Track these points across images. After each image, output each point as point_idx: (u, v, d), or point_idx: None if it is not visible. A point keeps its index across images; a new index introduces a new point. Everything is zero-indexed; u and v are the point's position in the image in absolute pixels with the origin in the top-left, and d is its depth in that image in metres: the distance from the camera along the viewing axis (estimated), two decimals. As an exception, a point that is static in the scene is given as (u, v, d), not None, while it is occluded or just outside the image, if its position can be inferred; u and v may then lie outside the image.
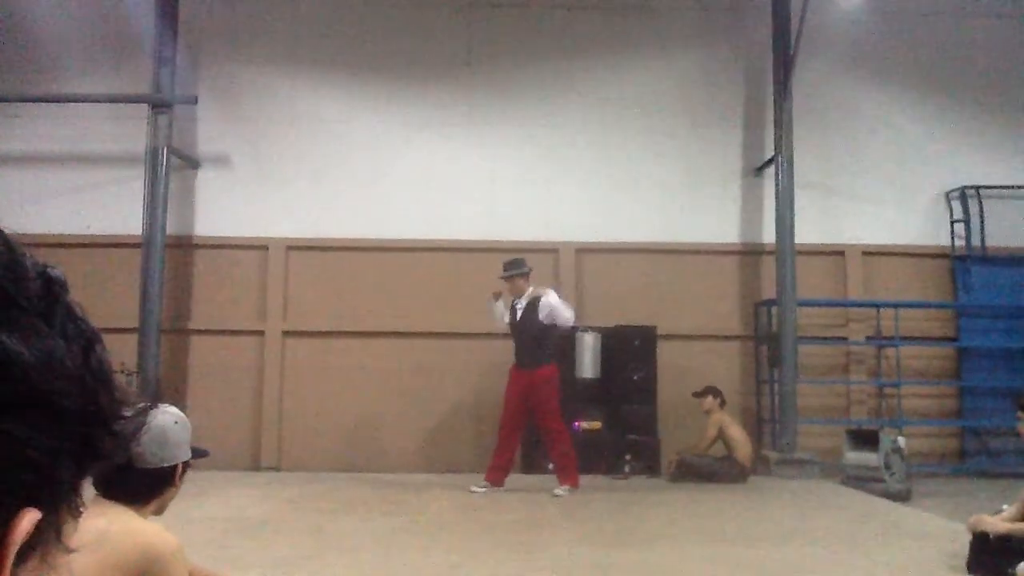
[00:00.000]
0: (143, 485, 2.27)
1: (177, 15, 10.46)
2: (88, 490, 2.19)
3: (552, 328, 8.19)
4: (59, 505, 0.52)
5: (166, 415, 2.33)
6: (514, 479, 8.58)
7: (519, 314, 8.25)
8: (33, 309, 0.52)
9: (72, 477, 0.53)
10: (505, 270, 8.36)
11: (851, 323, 10.96)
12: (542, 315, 8.10)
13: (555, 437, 8.23)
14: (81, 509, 0.55)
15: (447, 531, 6.19)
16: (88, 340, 0.55)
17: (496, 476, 8.23)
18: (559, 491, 8.00)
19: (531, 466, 9.51)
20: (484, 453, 10.28)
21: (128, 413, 0.58)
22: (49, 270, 0.55)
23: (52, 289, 0.54)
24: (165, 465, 2.30)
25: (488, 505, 7.43)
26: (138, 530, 2.17)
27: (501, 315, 8.42)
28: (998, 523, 4.80)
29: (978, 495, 8.45)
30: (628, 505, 7.62)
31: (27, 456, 0.49)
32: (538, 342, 8.15)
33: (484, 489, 8.10)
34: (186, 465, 2.38)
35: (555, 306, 8.07)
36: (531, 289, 8.32)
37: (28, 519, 0.50)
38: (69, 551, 0.54)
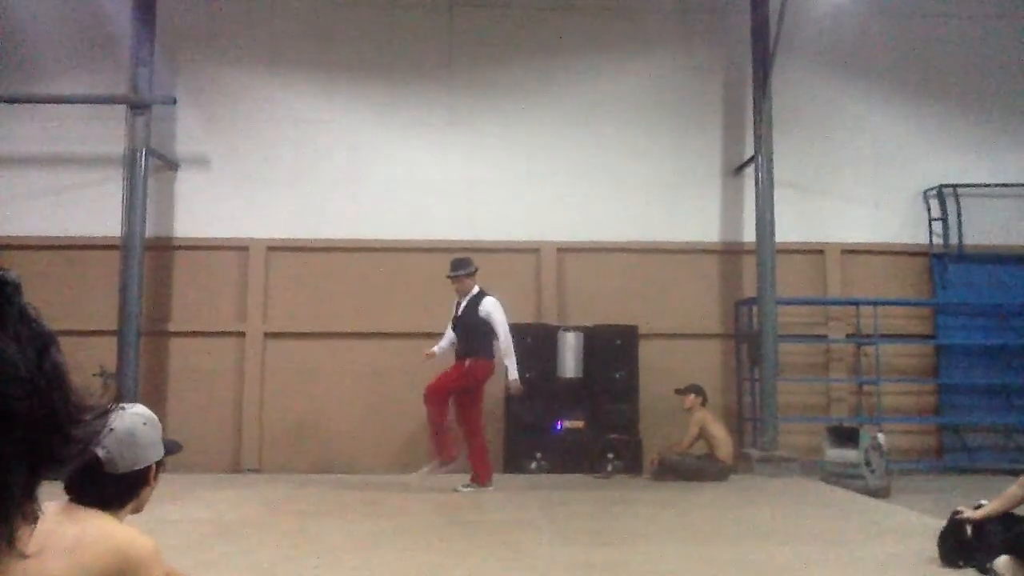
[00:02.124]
0: (117, 489, 2.25)
1: (155, 16, 10.39)
2: (61, 496, 2.18)
3: (487, 325, 8.30)
4: (11, 511, 0.51)
5: (134, 417, 2.29)
6: (495, 479, 8.59)
7: (461, 309, 8.41)
8: None
9: (26, 482, 0.52)
10: (452, 270, 8.46)
11: (831, 321, 11.03)
12: (481, 312, 8.28)
13: (467, 430, 8.36)
14: (38, 514, 0.54)
15: (428, 532, 6.18)
16: (43, 343, 0.54)
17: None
18: (463, 487, 8.14)
19: (514, 466, 9.51)
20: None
21: (88, 416, 0.56)
22: (2, 273, 0.54)
23: (4, 292, 0.53)
24: (138, 468, 2.27)
25: (469, 506, 7.43)
26: (114, 534, 2.14)
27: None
28: (977, 512, 4.85)
29: (956, 491, 8.51)
30: (610, 504, 7.63)
31: None
32: (474, 335, 8.29)
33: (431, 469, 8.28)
34: (160, 463, 2.36)
35: (499, 317, 8.28)
36: (476, 288, 8.43)
37: None
38: (23, 557, 0.53)
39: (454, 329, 8.50)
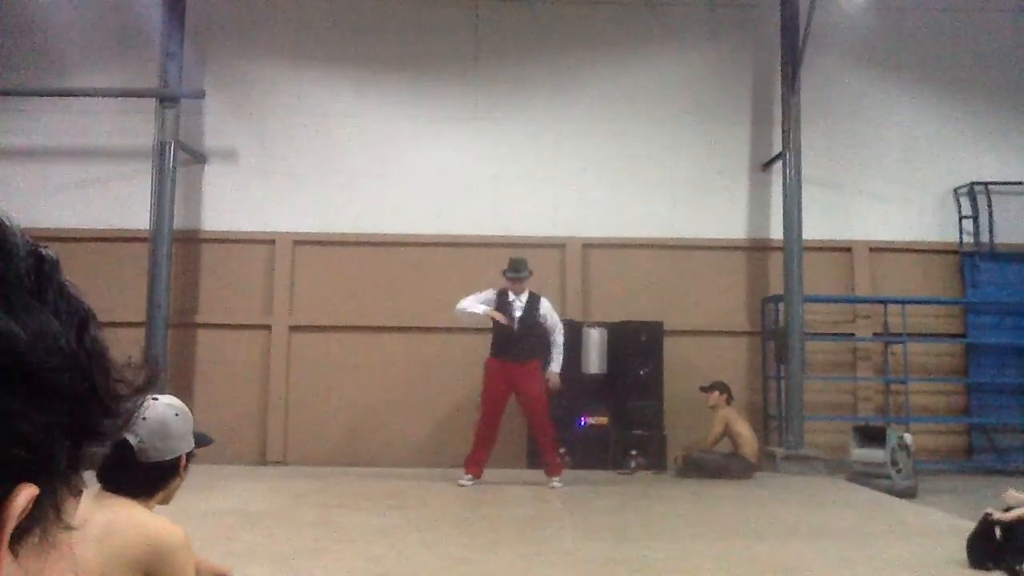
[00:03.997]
0: (148, 478, 2.28)
1: (184, 9, 10.46)
2: (93, 484, 2.20)
3: (542, 328, 8.41)
4: (56, 482, 0.53)
5: (167, 408, 2.33)
6: (518, 473, 8.60)
7: (519, 311, 8.35)
8: (24, 287, 0.52)
9: (69, 455, 0.53)
10: (517, 271, 8.38)
11: (858, 319, 10.92)
12: (543, 312, 8.39)
13: (549, 432, 8.42)
14: (81, 488, 0.55)
15: (452, 525, 6.20)
16: (82, 319, 0.56)
17: (478, 469, 8.32)
18: (557, 483, 8.15)
19: (537, 461, 9.49)
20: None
21: (127, 390, 0.58)
22: (41, 249, 0.55)
23: (43, 267, 0.54)
24: (168, 458, 2.30)
25: (492, 499, 7.44)
26: (144, 523, 2.17)
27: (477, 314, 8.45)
28: (1008, 513, 4.79)
29: (985, 492, 8.41)
30: (634, 500, 7.61)
31: (20, 431, 0.49)
32: (536, 338, 8.36)
33: (471, 482, 8.18)
34: (190, 455, 2.38)
35: (556, 317, 8.49)
36: (527, 289, 8.49)
37: (25, 495, 0.50)
38: (69, 528, 0.54)
39: (509, 329, 8.31)
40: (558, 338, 8.39)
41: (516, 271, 8.39)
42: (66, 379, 0.52)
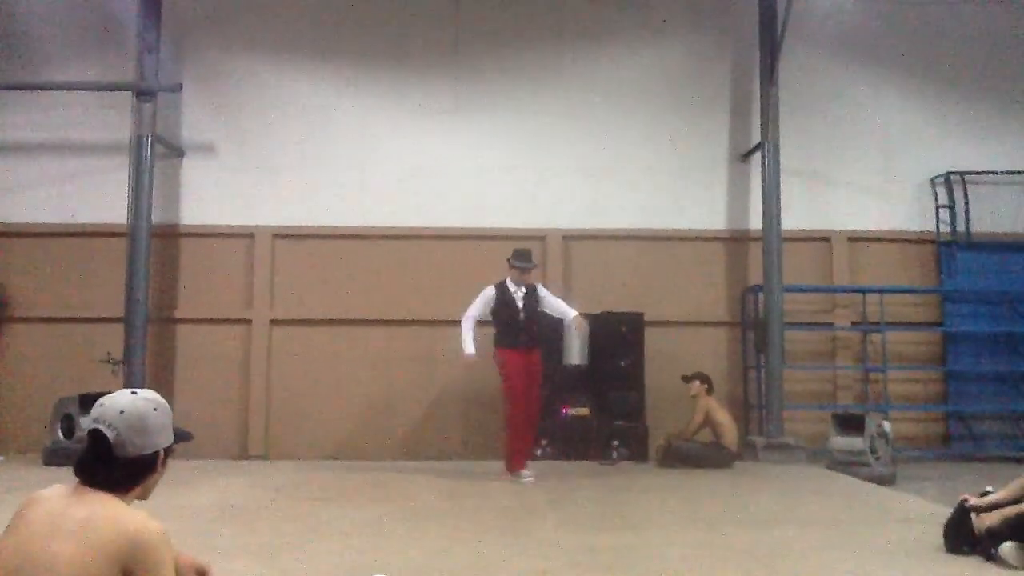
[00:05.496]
0: (125, 473, 2.27)
1: (161, 2, 10.38)
2: (71, 479, 2.19)
3: (540, 315, 8.48)
4: None
5: (145, 402, 2.31)
6: (500, 466, 8.61)
7: (522, 300, 8.33)
8: None
9: None
10: (526, 261, 8.37)
11: (837, 309, 11.01)
12: (542, 296, 8.43)
13: (536, 421, 8.46)
14: None
15: (434, 518, 6.20)
16: None
17: (524, 461, 8.26)
18: (530, 477, 8.09)
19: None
20: (472, 441, 10.31)
21: None
22: None
23: None
24: (147, 453, 2.29)
25: (475, 492, 7.45)
26: (122, 517, 2.16)
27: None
28: (991, 515, 4.80)
29: (962, 479, 8.51)
30: (615, 490, 7.64)
31: None
32: (535, 325, 8.39)
33: (532, 478, 8.09)
34: (169, 450, 2.37)
35: (558, 300, 8.55)
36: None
37: None
38: None
39: (518, 318, 8.29)
40: (569, 308, 8.46)
41: (524, 261, 8.41)
42: None
